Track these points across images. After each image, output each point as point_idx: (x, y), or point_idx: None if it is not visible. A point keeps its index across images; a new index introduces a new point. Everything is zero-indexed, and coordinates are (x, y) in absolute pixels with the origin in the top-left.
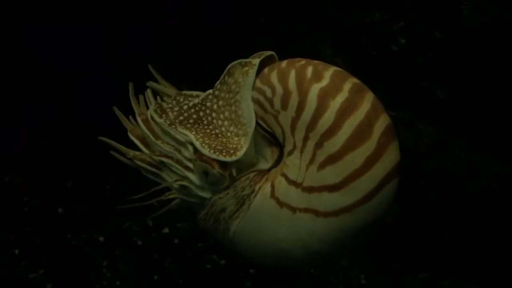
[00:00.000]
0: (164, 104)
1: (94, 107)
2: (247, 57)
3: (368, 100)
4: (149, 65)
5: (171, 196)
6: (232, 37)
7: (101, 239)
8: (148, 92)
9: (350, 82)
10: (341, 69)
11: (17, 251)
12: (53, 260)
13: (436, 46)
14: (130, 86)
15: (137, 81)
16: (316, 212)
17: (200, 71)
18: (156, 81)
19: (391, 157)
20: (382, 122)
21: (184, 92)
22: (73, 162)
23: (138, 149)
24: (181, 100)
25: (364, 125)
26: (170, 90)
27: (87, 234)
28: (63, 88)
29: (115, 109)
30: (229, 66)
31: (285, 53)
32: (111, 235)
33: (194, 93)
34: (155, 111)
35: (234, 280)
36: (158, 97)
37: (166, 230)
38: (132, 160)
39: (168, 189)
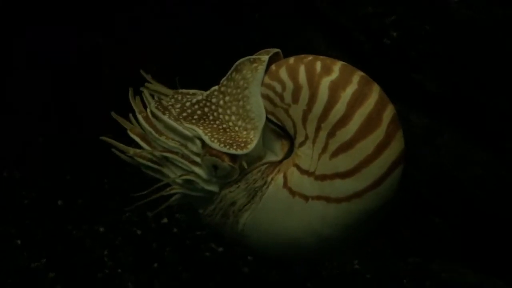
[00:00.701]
0: (164, 102)
1: (91, 103)
2: (242, 54)
3: (375, 91)
4: (140, 70)
5: (173, 192)
6: (227, 33)
7: (101, 229)
8: (145, 93)
9: (358, 75)
10: (347, 63)
11: (19, 242)
12: (55, 250)
13: (427, 39)
14: (130, 90)
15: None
16: (328, 199)
17: (195, 68)
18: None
19: (398, 144)
20: (390, 111)
21: (181, 90)
22: (71, 156)
23: (138, 147)
24: (180, 98)
25: (373, 114)
26: (166, 90)
27: (88, 225)
28: (60, 83)
29: (113, 114)
30: (237, 63)
31: (280, 48)
32: (111, 226)
33: (191, 91)
34: (157, 108)
35: (232, 267)
36: (155, 97)
37: (165, 220)
38: (132, 158)
39: (169, 185)
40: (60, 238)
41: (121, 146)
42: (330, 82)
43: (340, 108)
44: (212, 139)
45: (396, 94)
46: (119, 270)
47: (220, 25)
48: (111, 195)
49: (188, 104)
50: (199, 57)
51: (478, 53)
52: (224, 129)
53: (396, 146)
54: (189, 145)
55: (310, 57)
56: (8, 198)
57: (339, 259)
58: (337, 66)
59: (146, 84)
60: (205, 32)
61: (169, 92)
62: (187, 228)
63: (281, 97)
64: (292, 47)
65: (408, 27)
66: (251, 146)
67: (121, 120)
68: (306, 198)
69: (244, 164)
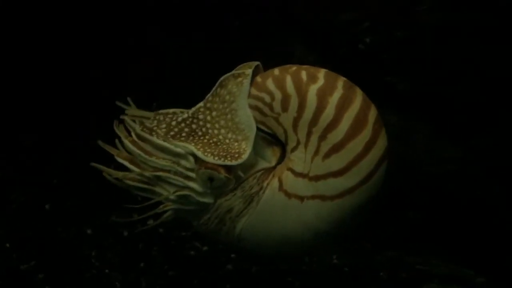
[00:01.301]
0: (148, 124)
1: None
2: (224, 62)
3: (359, 94)
4: (116, 102)
5: (166, 208)
6: (207, 40)
7: (89, 231)
8: (127, 119)
9: (341, 80)
10: (329, 70)
11: (8, 245)
12: (44, 252)
13: (398, 44)
14: (115, 122)
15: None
16: (323, 197)
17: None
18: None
19: (383, 141)
20: (373, 111)
21: (160, 111)
22: (57, 160)
23: (127, 170)
24: (162, 118)
25: (360, 115)
26: (146, 114)
27: (75, 227)
28: (49, 87)
29: (100, 142)
30: (221, 79)
31: (260, 53)
32: (98, 228)
33: (171, 110)
34: (143, 130)
35: (216, 264)
36: (137, 121)
37: (150, 221)
38: (122, 181)
39: (160, 203)
40: (49, 240)
41: (110, 171)
42: (317, 89)
43: (329, 112)
44: (206, 153)
45: (371, 95)
46: (107, 270)
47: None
48: (98, 198)
49: (174, 123)
50: (182, 63)
51: (444, 55)
52: (215, 142)
53: (382, 143)
54: (182, 162)
55: (294, 67)
56: None
57: (319, 254)
58: (321, 74)
59: (126, 111)
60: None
61: (150, 114)
62: (172, 228)
63: (271, 107)
64: (272, 51)
65: (380, 33)
66: (245, 156)
67: (107, 147)
68: (301, 198)
69: (240, 173)
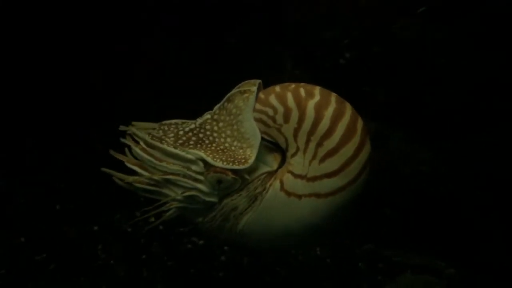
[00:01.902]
0: (155, 134)
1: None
2: (222, 75)
3: (349, 107)
4: (120, 127)
5: (172, 207)
6: (202, 56)
7: (96, 228)
8: (133, 129)
9: (333, 96)
10: (322, 87)
11: (22, 239)
12: (54, 246)
13: (375, 58)
14: (125, 138)
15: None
16: (318, 195)
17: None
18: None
19: (368, 146)
20: (360, 121)
21: (163, 122)
22: (63, 163)
23: (136, 174)
24: (166, 128)
25: (351, 125)
26: (151, 125)
27: (82, 225)
28: (51, 88)
29: (111, 151)
30: (228, 95)
31: (252, 67)
32: (104, 225)
33: (173, 121)
34: (153, 139)
35: (211, 256)
36: (143, 132)
37: (152, 219)
38: (131, 184)
39: (164, 203)
40: (57, 236)
41: (120, 175)
42: (314, 103)
43: (325, 123)
44: (215, 159)
45: (351, 104)
46: (112, 261)
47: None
48: (103, 199)
49: (181, 132)
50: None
51: (415, 67)
52: (222, 149)
53: (367, 148)
54: (193, 166)
55: (293, 85)
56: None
57: (304, 247)
58: (317, 91)
59: (133, 123)
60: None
61: (154, 125)
62: (171, 226)
63: (273, 119)
64: (263, 65)
65: (358, 49)
66: (250, 161)
67: (117, 155)
68: (299, 196)
69: (246, 176)
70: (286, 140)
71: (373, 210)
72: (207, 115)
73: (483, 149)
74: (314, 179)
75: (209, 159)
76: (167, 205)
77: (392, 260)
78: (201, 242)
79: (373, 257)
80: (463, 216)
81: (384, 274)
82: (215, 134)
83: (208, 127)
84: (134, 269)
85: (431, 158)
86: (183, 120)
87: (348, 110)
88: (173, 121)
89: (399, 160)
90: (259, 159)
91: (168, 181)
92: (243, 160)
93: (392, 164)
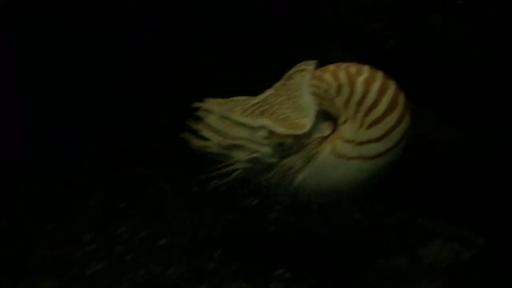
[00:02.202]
0: (225, 107)
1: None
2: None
3: (392, 83)
4: (195, 103)
5: (237, 167)
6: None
7: (168, 186)
8: (207, 103)
9: (380, 73)
10: (370, 66)
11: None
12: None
13: (414, 46)
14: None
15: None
16: (364, 157)
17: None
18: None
19: (408, 118)
20: (402, 96)
21: (231, 98)
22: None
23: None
24: (234, 103)
25: (394, 99)
26: (221, 100)
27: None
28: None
29: (189, 122)
30: (288, 73)
31: (307, 57)
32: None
33: (238, 97)
34: (225, 110)
35: (264, 213)
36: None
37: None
38: (205, 149)
39: (230, 164)
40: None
41: (196, 141)
42: (363, 79)
43: (372, 96)
44: (278, 126)
45: None
46: (180, 213)
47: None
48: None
49: (248, 105)
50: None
51: (449, 55)
52: (283, 118)
53: (407, 120)
54: (257, 133)
55: (345, 64)
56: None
57: (347, 201)
58: (366, 68)
59: (206, 99)
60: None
61: (225, 100)
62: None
63: (327, 92)
64: (318, 55)
65: (400, 38)
66: (307, 128)
67: (194, 124)
68: (348, 158)
69: (303, 140)
70: (338, 110)
71: (405, 182)
72: (269, 91)
73: None
74: (361, 144)
75: (273, 126)
76: (234, 166)
77: (423, 228)
78: (255, 202)
79: (405, 224)
80: (493, 189)
81: (415, 240)
82: (276, 106)
83: (270, 100)
84: (199, 220)
85: (460, 137)
86: (248, 97)
87: (392, 85)
88: (239, 97)
89: (430, 137)
90: (314, 126)
91: (236, 146)
92: (300, 127)
93: (424, 140)
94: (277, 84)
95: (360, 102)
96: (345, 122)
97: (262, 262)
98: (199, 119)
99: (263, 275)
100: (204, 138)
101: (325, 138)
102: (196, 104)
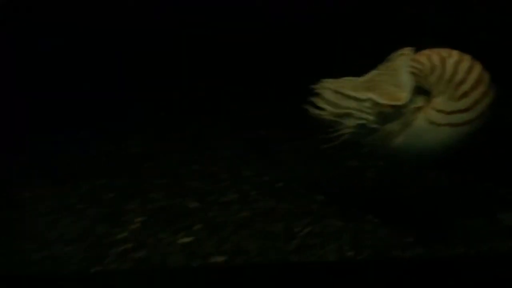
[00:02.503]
0: (339, 84)
1: None
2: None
3: (478, 63)
4: (313, 86)
5: (347, 132)
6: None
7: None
8: (324, 83)
9: (467, 55)
10: (459, 51)
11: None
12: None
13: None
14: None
15: None
16: (452, 124)
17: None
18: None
19: (492, 93)
20: (487, 75)
21: (341, 78)
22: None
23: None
24: (345, 82)
25: (479, 77)
26: (335, 80)
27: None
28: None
29: (311, 98)
30: (390, 56)
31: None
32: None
33: (347, 78)
34: (340, 87)
35: (362, 171)
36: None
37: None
38: (320, 116)
39: (340, 129)
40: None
41: (314, 111)
42: (453, 61)
43: (460, 75)
44: (381, 98)
45: None
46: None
47: None
48: None
49: (356, 83)
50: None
51: None
52: (385, 93)
53: (491, 96)
54: (365, 104)
55: (438, 49)
56: None
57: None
58: (455, 52)
59: (322, 79)
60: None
61: (338, 80)
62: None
63: (423, 72)
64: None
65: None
66: (405, 99)
67: (314, 99)
68: (439, 125)
69: (402, 110)
70: (431, 86)
71: (488, 153)
72: (373, 71)
73: None
74: (450, 113)
75: (376, 98)
76: (344, 131)
77: (504, 197)
78: (356, 162)
79: (488, 194)
80: None
81: (496, 207)
82: (380, 83)
83: (375, 78)
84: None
85: None
86: (353, 78)
87: (478, 65)
88: (349, 77)
89: None
90: (411, 99)
91: (346, 114)
92: (400, 99)
93: (504, 118)
94: (380, 66)
95: (450, 80)
96: (437, 95)
97: (357, 209)
98: (317, 94)
99: (356, 218)
100: (320, 108)
101: (419, 108)
102: (316, 85)
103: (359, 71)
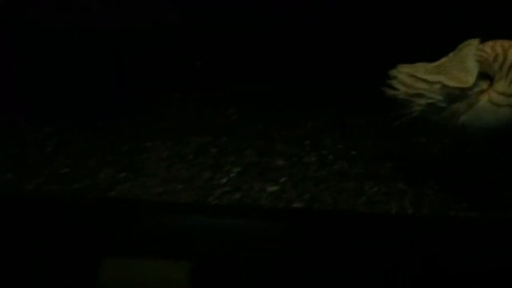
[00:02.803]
0: (413, 68)
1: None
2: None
3: None
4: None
5: (417, 109)
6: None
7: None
8: (400, 68)
9: None
10: None
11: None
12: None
13: None
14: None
15: None
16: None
17: None
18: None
19: None
20: None
21: (413, 64)
22: None
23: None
24: (419, 66)
25: None
26: (409, 65)
27: None
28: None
29: (388, 81)
30: (459, 46)
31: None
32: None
33: (422, 63)
34: (414, 71)
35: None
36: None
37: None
38: (394, 95)
39: (412, 107)
40: None
41: (389, 91)
42: None
43: None
44: (449, 81)
45: None
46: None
47: None
48: None
49: (429, 67)
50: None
51: None
52: (454, 77)
53: None
54: (435, 85)
55: (500, 40)
56: None
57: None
58: None
59: (398, 65)
60: None
61: (411, 65)
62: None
63: (487, 60)
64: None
65: None
66: (470, 82)
67: (391, 82)
68: (500, 106)
69: (467, 92)
70: (494, 72)
71: None
72: (443, 58)
73: None
74: (510, 95)
75: (445, 81)
76: (414, 108)
77: None
78: (424, 138)
79: None
80: None
81: None
82: (449, 68)
83: (445, 64)
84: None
85: None
86: (424, 64)
87: None
88: (422, 63)
89: None
90: (476, 82)
91: (417, 94)
92: (466, 82)
93: None
94: (450, 54)
95: (510, 67)
96: (499, 80)
97: (420, 176)
98: (393, 77)
99: (418, 183)
100: (395, 89)
101: (483, 91)
102: (393, 70)
103: (428, 59)
